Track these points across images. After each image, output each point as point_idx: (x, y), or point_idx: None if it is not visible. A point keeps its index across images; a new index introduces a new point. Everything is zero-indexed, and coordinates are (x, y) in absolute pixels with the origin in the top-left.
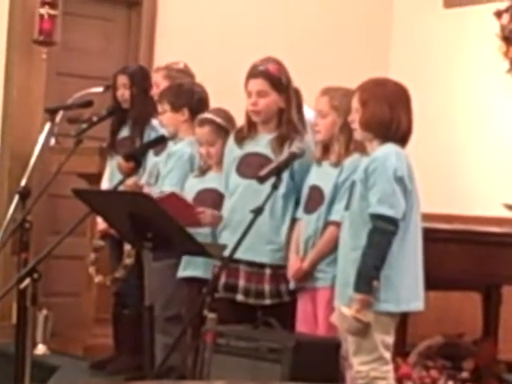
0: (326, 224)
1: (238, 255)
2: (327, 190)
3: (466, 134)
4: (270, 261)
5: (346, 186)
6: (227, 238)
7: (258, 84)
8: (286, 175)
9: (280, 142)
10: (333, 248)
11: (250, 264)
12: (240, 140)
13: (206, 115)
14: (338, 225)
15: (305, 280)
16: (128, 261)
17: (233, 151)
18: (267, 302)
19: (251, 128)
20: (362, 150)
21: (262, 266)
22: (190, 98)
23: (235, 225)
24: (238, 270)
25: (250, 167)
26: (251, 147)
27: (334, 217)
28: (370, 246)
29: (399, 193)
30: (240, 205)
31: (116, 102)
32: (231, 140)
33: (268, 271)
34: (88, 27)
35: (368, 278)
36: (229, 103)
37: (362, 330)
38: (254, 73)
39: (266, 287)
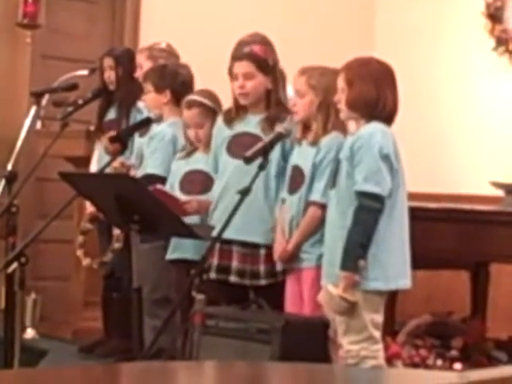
0: (307, 204)
1: (231, 236)
2: (307, 170)
3: (452, 112)
4: (264, 241)
5: (324, 164)
6: (218, 218)
7: (243, 66)
8: (277, 155)
9: (270, 122)
10: (315, 228)
11: (244, 245)
12: (229, 120)
13: (194, 97)
14: (317, 204)
15: (290, 261)
16: (117, 245)
17: (222, 132)
18: (262, 282)
19: (240, 110)
20: (340, 128)
21: (256, 246)
22: (173, 80)
23: (226, 205)
24: (230, 252)
25: (241, 147)
26: (241, 127)
27: (314, 197)
28: (355, 223)
29: (385, 170)
30: (231, 185)
31: (104, 84)
32: (220, 121)
33: (263, 251)
34: (72, 10)
35: (354, 256)
36: (215, 84)
37: (349, 310)
38: (239, 55)
39: (262, 268)
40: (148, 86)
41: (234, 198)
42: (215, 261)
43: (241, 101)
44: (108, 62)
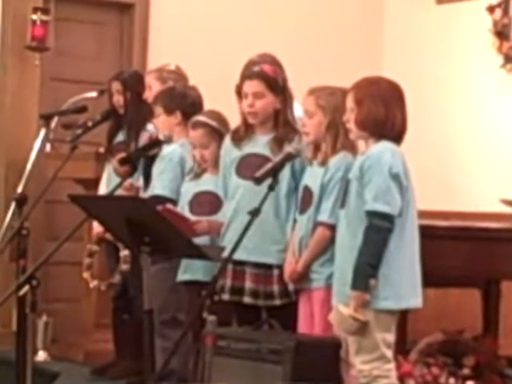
0: (315, 225)
1: (244, 257)
2: (316, 190)
3: (461, 129)
4: (277, 261)
5: (332, 184)
6: (230, 240)
7: (254, 85)
8: (287, 175)
9: (279, 142)
10: (324, 248)
11: (257, 265)
12: (238, 141)
13: (199, 118)
14: (325, 225)
15: (300, 281)
16: (124, 266)
17: (231, 152)
18: (277, 302)
19: (248, 129)
20: (349, 148)
21: (269, 266)
22: (182, 101)
23: (238, 226)
24: (243, 273)
25: (250, 168)
26: (250, 148)
27: (321, 217)
28: (365, 243)
29: (395, 189)
30: (242, 206)
31: (112, 108)
32: (228, 141)
33: (276, 272)
34: (81, 32)
35: (364, 275)
36: (223, 105)
37: (360, 329)
38: (249, 74)
39: (275, 288)
40: (158, 109)
41: (246, 219)
42: (228, 282)
43: (249, 120)
44: (116, 86)
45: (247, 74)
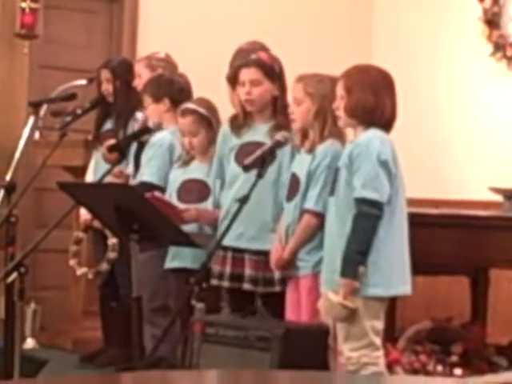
0: (302, 212)
1: (244, 245)
2: (303, 178)
3: (451, 118)
4: None
5: (319, 172)
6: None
7: (251, 73)
8: (287, 164)
9: (279, 130)
10: (310, 236)
11: (257, 253)
12: (237, 129)
13: (189, 105)
14: (311, 212)
15: (287, 269)
16: (112, 254)
17: (230, 140)
18: (277, 289)
19: (247, 117)
20: (337, 136)
21: (268, 254)
22: (169, 88)
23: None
24: (243, 260)
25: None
26: (249, 136)
27: (308, 204)
28: (354, 230)
29: (383, 176)
30: (241, 194)
31: (101, 95)
32: (227, 128)
33: None
34: (70, 20)
35: (353, 262)
36: (213, 93)
37: (349, 317)
38: (246, 62)
39: (275, 275)
40: (147, 99)
41: (246, 207)
42: (228, 269)
43: (247, 107)
44: (105, 74)
45: (244, 61)
